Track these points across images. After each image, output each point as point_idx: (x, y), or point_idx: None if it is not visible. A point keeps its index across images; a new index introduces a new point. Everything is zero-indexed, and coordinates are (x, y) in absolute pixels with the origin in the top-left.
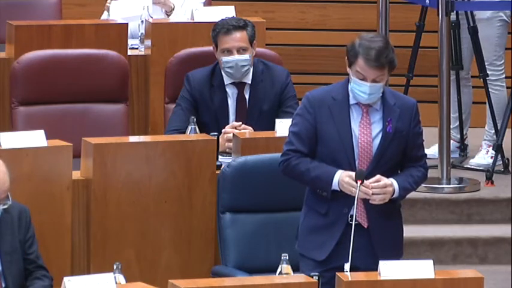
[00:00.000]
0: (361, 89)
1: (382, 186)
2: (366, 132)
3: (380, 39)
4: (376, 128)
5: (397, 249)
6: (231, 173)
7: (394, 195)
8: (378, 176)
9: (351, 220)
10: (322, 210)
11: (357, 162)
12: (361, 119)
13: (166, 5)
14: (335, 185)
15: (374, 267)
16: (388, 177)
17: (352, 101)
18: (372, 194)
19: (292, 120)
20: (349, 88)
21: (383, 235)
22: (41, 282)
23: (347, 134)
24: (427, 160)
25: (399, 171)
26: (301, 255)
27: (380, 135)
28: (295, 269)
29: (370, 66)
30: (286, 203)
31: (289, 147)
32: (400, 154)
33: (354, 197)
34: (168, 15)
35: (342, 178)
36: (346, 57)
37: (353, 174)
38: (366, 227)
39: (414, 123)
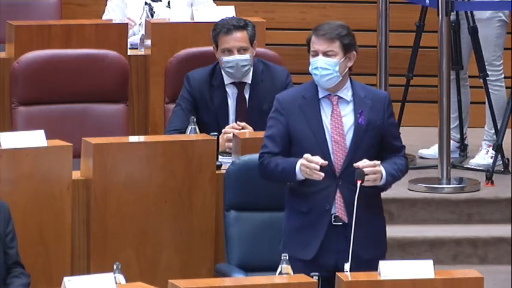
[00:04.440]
0: (313, 66)
1: (373, 165)
2: (338, 126)
3: (339, 22)
4: (349, 121)
5: (380, 247)
6: (236, 171)
7: (382, 181)
8: (364, 159)
9: (335, 220)
10: (304, 209)
11: (332, 157)
12: (331, 112)
13: None
14: (298, 174)
15: (357, 269)
16: None
17: (321, 95)
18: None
19: (267, 125)
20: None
21: (364, 230)
22: (20, 280)
23: (319, 129)
24: (426, 160)
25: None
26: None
27: (353, 128)
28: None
29: (318, 36)
30: None
31: (263, 150)
32: (375, 147)
33: (334, 193)
34: None
35: (301, 163)
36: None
37: (308, 155)
38: (346, 221)
39: (388, 114)
